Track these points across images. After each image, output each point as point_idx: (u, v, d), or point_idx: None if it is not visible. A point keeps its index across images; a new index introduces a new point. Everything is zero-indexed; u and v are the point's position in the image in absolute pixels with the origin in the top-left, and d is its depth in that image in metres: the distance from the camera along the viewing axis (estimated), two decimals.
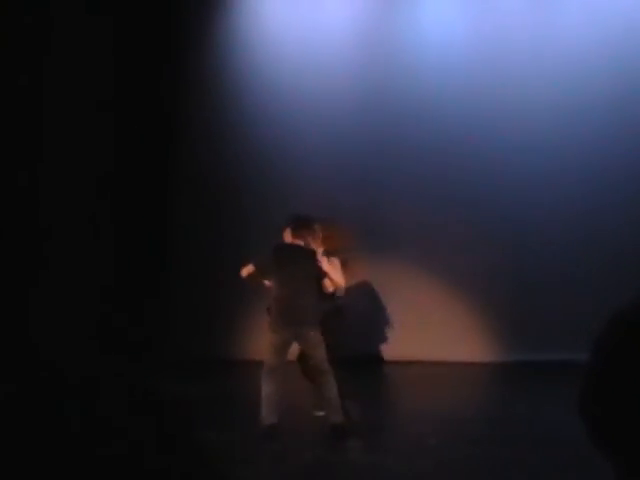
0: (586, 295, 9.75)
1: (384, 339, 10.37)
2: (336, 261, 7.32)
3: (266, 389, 6.57)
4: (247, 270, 6.88)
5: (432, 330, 10.18)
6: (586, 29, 10.03)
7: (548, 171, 10.05)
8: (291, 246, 6.88)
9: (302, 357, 7.01)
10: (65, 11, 9.50)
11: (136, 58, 10.03)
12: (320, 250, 7.21)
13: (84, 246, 9.19)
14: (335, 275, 7.04)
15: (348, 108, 10.30)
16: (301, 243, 6.88)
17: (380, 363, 10.26)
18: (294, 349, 6.96)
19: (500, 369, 9.83)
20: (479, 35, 10.23)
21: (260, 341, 7.28)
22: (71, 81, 9.50)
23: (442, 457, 6.08)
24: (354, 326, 9.82)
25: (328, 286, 6.91)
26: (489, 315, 10.17)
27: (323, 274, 6.88)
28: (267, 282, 7.09)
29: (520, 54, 10.15)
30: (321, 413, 6.91)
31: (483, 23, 10.26)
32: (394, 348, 10.25)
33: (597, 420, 1.21)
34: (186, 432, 0.97)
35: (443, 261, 10.20)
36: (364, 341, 10.24)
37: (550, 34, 10.13)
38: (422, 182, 10.22)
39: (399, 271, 10.27)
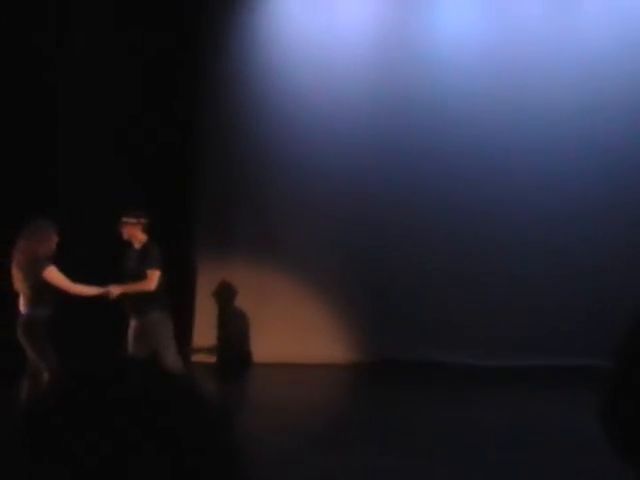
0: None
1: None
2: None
3: None
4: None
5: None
6: (605, 31, 10.03)
7: (566, 173, 10.03)
8: None
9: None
10: None
11: (154, 64, 9.91)
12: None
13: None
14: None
15: (364, 110, 10.18)
16: None
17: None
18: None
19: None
20: (497, 37, 10.16)
21: None
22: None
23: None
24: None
25: None
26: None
27: None
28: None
29: (538, 56, 10.10)
30: None
31: (501, 25, 10.20)
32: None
33: (623, 426, 1.21)
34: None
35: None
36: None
37: (568, 36, 10.12)
38: (428, 185, 10.18)
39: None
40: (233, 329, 10.47)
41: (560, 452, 6.37)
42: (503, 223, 10.10)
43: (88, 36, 9.81)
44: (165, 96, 10.02)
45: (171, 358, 7.08)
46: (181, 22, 10.08)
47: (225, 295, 10.43)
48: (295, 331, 10.22)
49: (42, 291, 6.60)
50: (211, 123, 10.41)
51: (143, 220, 7.28)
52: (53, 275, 6.61)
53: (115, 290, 7.03)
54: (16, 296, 6.80)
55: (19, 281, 6.67)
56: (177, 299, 8.00)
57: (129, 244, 7.36)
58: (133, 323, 7.26)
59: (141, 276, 7.15)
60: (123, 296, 7.19)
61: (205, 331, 10.38)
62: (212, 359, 10.33)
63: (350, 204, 10.21)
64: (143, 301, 7.09)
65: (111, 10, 9.86)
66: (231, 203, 10.45)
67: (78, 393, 0.87)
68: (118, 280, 7.25)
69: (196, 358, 10.14)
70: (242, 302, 10.44)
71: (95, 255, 8.50)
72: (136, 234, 7.26)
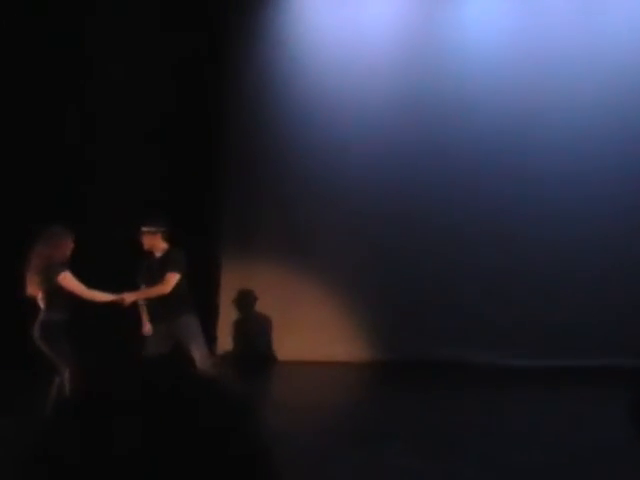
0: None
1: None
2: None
3: None
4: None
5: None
6: (635, 25, 9.99)
7: (591, 171, 9.98)
8: None
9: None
10: None
11: (181, 62, 10.03)
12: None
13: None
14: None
15: (389, 108, 10.18)
16: None
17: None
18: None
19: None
20: (523, 33, 10.13)
21: None
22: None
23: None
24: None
25: None
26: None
27: None
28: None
29: (566, 53, 10.07)
30: None
31: (528, 23, 10.15)
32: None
33: None
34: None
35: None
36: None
37: (596, 33, 10.07)
38: (450, 181, 10.16)
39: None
40: (256, 327, 10.53)
41: (590, 454, 6.30)
42: (532, 220, 10.08)
43: (117, 37, 9.92)
44: (190, 96, 10.09)
45: (201, 356, 7.10)
46: (208, 21, 10.14)
47: (248, 294, 10.48)
48: (317, 329, 10.27)
49: (57, 296, 6.64)
50: (235, 123, 10.43)
51: (162, 229, 7.22)
52: (68, 280, 6.64)
53: (129, 297, 7.01)
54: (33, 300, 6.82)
55: (34, 285, 6.71)
56: (201, 298, 8.00)
57: (150, 253, 7.31)
58: (158, 326, 7.22)
59: (161, 281, 7.12)
60: (150, 302, 7.23)
61: (229, 329, 10.43)
62: (235, 357, 10.37)
63: (372, 202, 10.22)
64: (172, 306, 7.07)
65: (141, 12, 9.95)
66: (255, 201, 10.49)
67: (106, 394, 0.87)
68: (138, 288, 7.29)
69: (220, 356, 10.19)
70: (265, 301, 10.49)
71: (115, 262, 8.53)
72: (156, 243, 7.20)
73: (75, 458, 0.82)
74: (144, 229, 7.20)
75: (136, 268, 7.43)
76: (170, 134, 10.05)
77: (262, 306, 10.52)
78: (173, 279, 7.08)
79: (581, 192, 10.02)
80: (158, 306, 7.16)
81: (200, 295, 7.90)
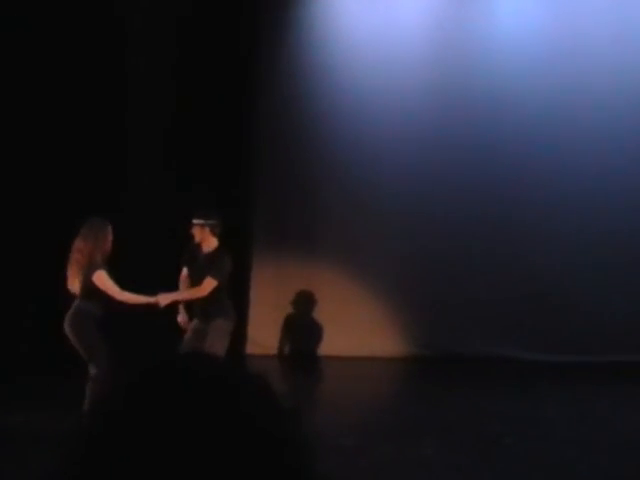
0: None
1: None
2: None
3: None
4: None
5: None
6: None
7: (626, 166, 9.91)
8: None
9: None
10: None
11: (209, 61, 10.04)
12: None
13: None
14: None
15: (423, 105, 10.15)
16: None
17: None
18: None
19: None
20: (557, 27, 10.06)
21: None
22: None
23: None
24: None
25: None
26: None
27: None
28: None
29: (600, 48, 9.96)
30: None
31: (561, 17, 10.08)
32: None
33: None
34: None
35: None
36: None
37: (630, 25, 9.99)
38: (488, 178, 10.11)
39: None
40: (289, 321, 10.52)
41: (626, 451, 6.25)
42: (570, 215, 10.00)
43: (149, 37, 9.97)
44: (222, 93, 10.06)
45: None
46: (238, 19, 10.13)
47: (280, 288, 10.45)
48: (354, 324, 10.22)
49: (93, 290, 6.52)
50: (268, 120, 10.41)
51: (211, 222, 7.04)
52: (101, 280, 6.48)
53: (164, 300, 6.80)
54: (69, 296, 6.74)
55: (73, 276, 6.60)
56: (232, 294, 7.98)
57: (199, 246, 7.15)
58: (196, 323, 7.16)
59: (200, 282, 7.00)
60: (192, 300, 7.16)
61: (259, 324, 10.42)
62: (267, 352, 10.34)
63: (408, 198, 10.18)
64: (208, 307, 6.98)
65: (171, 12, 9.99)
66: (287, 197, 10.49)
67: (142, 390, 0.86)
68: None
69: (250, 351, 10.21)
70: (298, 295, 10.48)
71: (156, 256, 8.53)
72: (205, 237, 7.05)
73: (114, 455, 0.82)
74: (194, 221, 7.07)
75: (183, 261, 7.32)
76: (200, 126, 10.02)
77: (294, 299, 10.50)
78: (210, 285, 6.91)
79: (624, 185, 9.92)
80: (197, 303, 7.10)
81: (231, 291, 7.89)
